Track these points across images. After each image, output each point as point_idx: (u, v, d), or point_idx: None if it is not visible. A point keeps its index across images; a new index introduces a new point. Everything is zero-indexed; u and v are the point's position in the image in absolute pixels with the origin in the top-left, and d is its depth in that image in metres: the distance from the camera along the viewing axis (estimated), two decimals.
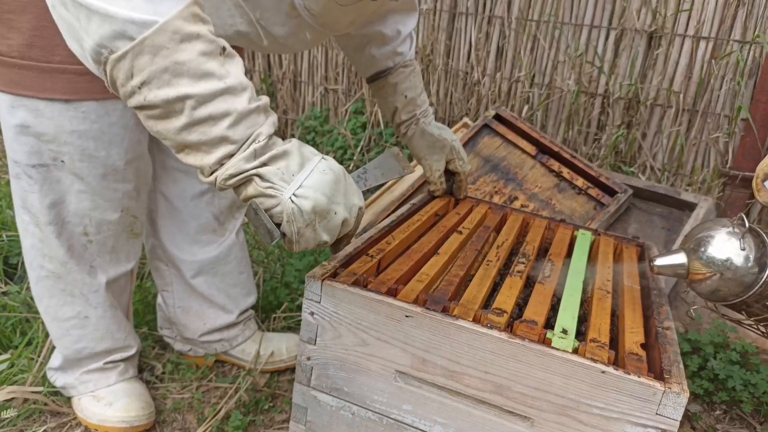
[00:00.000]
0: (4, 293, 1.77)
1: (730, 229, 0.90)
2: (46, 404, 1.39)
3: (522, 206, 2.05)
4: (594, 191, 2.02)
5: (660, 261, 0.98)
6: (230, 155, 0.79)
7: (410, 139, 1.44)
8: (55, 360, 1.38)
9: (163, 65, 0.72)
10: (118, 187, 1.21)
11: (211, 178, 0.81)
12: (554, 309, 1.03)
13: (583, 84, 2.47)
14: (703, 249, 0.91)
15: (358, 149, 3.03)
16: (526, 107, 2.61)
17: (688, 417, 1.56)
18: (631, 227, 2.00)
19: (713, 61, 2.21)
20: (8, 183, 2.64)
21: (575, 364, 0.84)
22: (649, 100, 2.35)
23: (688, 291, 0.92)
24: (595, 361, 0.84)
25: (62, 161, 1.13)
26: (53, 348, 1.42)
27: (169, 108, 0.75)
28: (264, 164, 0.81)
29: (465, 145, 2.19)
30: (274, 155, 0.82)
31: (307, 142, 3.28)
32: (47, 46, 1.04)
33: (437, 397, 0.95)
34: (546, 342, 0.89)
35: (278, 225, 0.83)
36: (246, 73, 0.83)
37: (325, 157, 0.87)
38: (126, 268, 1.33)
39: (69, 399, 1.40)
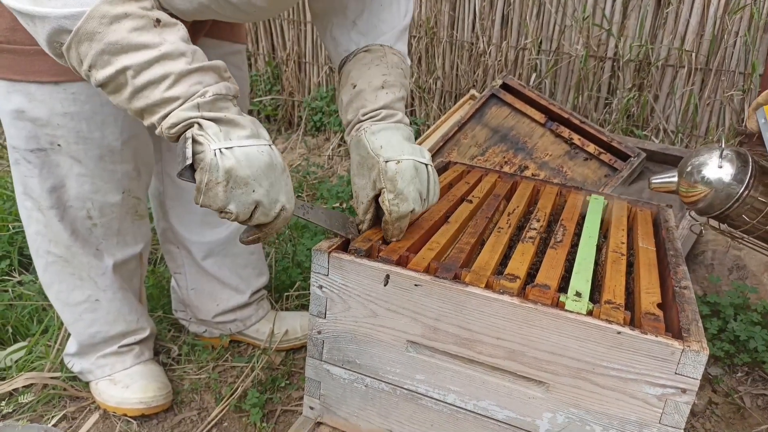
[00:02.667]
0: (20, 283, 1.78)
1: (717, 151, 1.01)
2: (64, 389, 1.41)
3: (533, 175, 2.01)
4: (606, 156, 1.97)
5: (656, 180, 1.12)
6: (174, 109, 0.82)
7: (350, 150, 1.09)
8: (71, 346, 1.39)
9: (100, 48, 0.79)
10: (117, 168, 1.20)
11: (158, 130, 0.84)
12: (568, 273, 1.01)
13: (591, 48, 2.41)
14: (690, 168, 1.03)
15: None
16: (534, 75, 2.56)
17: (709, 380, 1.54)
18: (645, 191, 1.96)
19: (726, 16, 2.14)
20: None
21: (590, 326, 0.82)
22: (660, 60, 2.29)
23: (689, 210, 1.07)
24: (610, 322, 0.82)
25: (59, 145, 1.12)
26: (69, 335, 1.43)
27: (114, 83, 0.81)
28: (208, 119, 0.82)
29: (472, 116, 2.16)
30: (221, 118, 0.83)
31: (314, 123, 3.26)
32: None
33: (450, 366, 0.94)
34: (559, 305, 0.87)
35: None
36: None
37: (273, 147, 0.87)
38: (134, 250, 1.33)
39: (87, 384, 1.42)
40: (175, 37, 0.83)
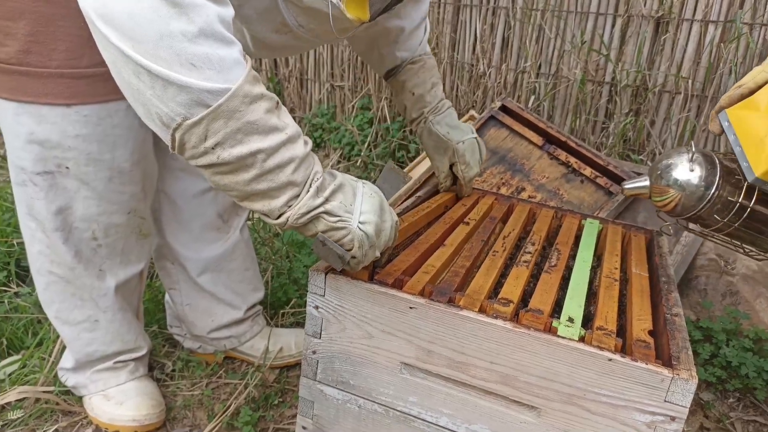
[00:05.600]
0: (17, 294, 1.79)
1: (686, 154, 1.04)
2: (57, 404, 1.40)
3: (529, 197, 2.03)
4: (602, 180, 1.99)
5: (628, 185, 1.14)
6: (296, 196, 0.85)
7: (420, 137, 1.44)
8: (67, 361, 1.39)
9: (237, 126, 0.78)
10: (125, 189, 1.20)
11: (282, 219, 0.86)
12: (561, 298, 1.02)
13: (589, 72, 2.45)
14: (660, 172, 1.06)
15: (366, 145, 3.02)
16: (532, 98, 2.59)
17: (701, 405, 1.54)
18: (640, 216, 1.98)
19: (722, 44, 2.18)
20: None
21: (581, 353, 0.83)
22: (657, 86, 2.32)
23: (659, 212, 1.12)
24: (601, 348, 0.83)
25: (67, 167, 1.13)
26: (64, 348, 1.43)
27: (241, 163, 0.80)
28: (328, 200, 0.88)
29: None
30: (334, 190, 0.89)
31: (315, 140, 3.29)
32: (44, 51, 1.03)
33: (443, 389, 0.94)
34: (552, 331, 0.88)
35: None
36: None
37: (364, 181, 0.95)
38: (136, 269, 1.34)
39: (80, 398, 1.42)
40: (290, 118, 0.86)
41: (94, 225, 1.20)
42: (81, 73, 1.06)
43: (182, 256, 1.47)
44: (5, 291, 1.80)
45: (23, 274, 1.90)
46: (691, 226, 1.14)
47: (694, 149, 1.02)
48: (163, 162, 1.36)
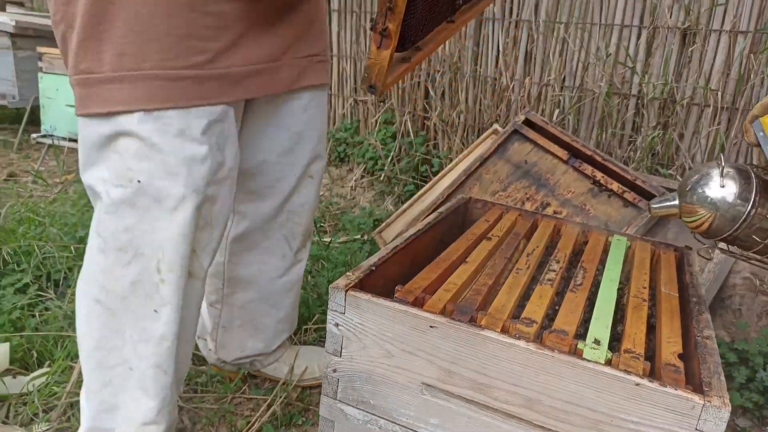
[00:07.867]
0: (46, 308, 1.82)
1: (716, 169, 0.95)
2: None
3: (555, 212, 2.00)
4: (630, 195, 1.95)
5: (656, 205, 1.05)
6: None
7: None
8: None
9: None
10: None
11: None
12: (587, 318, 1.00)
13: (615, 85, 2.41)
14: (691, 189, 0.97)
15: (389, 159, 3.02)
16: (556, 111, 2.56)
17: None
18: (670, 232, 1.93)
19: (752, 55, 2.12)
20: (52, 202, 2.74)
21: (608, 377, 0.81)
22: (685, 99, 2.28)
23: (693, 233, 1.01)
24: (628, 372, 0.81)
25: (139, 181, 1.03)
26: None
27: None
28: None
29: (494, 152, 2.17)
30: None
31: (338, 154, 3.31)
32: (138, 52, 0.98)
33: (465, 411, 0.92)
34: (577, 353, 0.86)
35: None
36: None
37: None
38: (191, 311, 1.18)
39: None
40: None
41: (159, 253, 1.07)
42: (176, 75, 1.00)
43: (238, 279, 1.44)
44: (38, 303, 1.83)
45: (55, 288, 1.94)
46: (730, 248, 1.03)
47: (724, 163, 0.93)
48: (241, 184, 1.30)
